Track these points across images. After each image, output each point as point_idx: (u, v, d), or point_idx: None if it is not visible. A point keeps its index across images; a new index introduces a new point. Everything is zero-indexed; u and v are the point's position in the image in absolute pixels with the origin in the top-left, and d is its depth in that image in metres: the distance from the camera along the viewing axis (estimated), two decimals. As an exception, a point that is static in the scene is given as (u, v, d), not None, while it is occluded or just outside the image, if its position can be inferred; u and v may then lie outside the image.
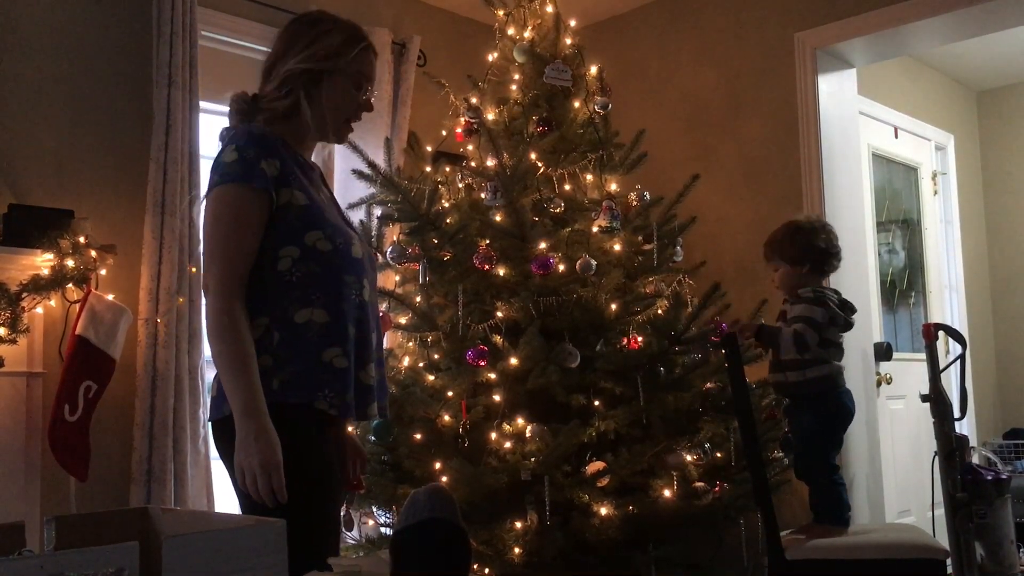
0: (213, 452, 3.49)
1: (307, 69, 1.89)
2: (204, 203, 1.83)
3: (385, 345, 3.11)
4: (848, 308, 2.82)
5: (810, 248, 2.81)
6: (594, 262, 3.06)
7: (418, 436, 3.05)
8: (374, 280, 2.01)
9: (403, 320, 3.25)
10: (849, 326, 2.82)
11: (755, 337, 2.78)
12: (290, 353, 1.78)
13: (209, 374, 3.64)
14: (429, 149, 3.59)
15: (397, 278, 3.46)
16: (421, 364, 3.22)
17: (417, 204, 3.18)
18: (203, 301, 1.83)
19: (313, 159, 2.03)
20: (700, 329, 3.11)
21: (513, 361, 3.01)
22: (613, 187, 3.38)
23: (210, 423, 1.89)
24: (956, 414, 2.54)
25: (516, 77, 3.52)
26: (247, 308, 1.78)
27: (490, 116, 3.45)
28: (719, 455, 3.13)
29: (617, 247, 3.27)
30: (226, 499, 3.70)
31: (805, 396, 2.75)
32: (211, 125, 3.79)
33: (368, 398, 1.88)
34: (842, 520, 2.68)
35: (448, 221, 3.23)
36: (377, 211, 3.36)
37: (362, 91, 1.97)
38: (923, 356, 2.63)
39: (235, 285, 1.76)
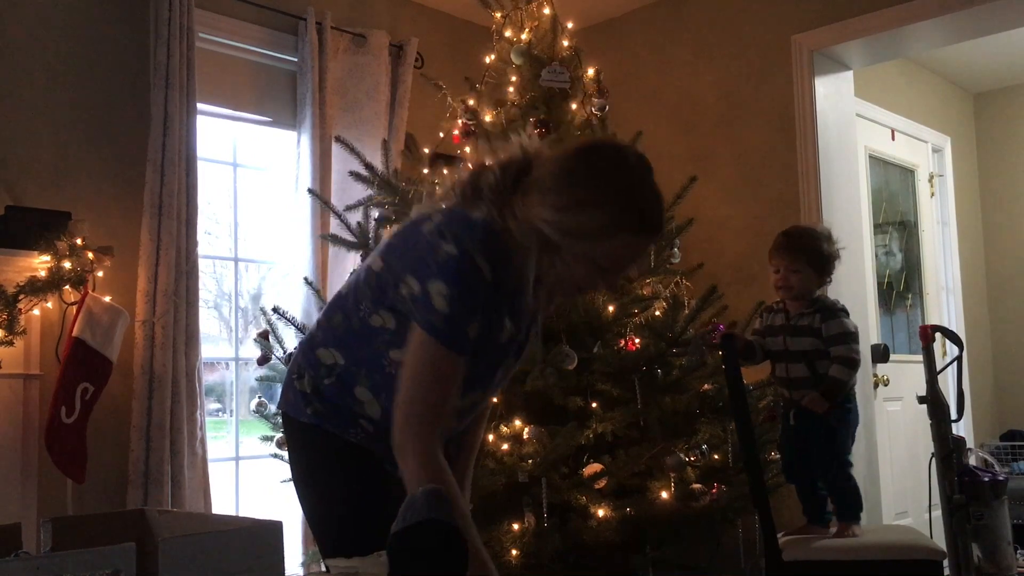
0: (210, 454, 3.49)
1: (543, 233, 1.55)
2: (413, 333, 1.57)
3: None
4: None
5: (833, 261, 2.78)
6: (591, 264, 3.05)
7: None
8: (486, 399, 1.79)
9: (400, 322, 3.25)
10: None
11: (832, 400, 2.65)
12: (333, 397, 1.69)
13: (208, 376, 3.64)
14: (426, 151, 3.59)
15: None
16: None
17: (414, 206, 3.18)
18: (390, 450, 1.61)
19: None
20: (698, 331, 3.11)
21: (510, 363, 3.00)
22: (610, 189, 3.38)
23: (282, 415, 1.80)
24: (953, 416, 2.54)
25: (513, 79, 3.52)
26: (333, 335, 1.69)
27: (487, 118, 3.45)
28: (716, 457, 3.13)
29: (614, 249, 3.27)
30: (223, 501, 3.70)
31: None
32: (208, 127, 3.80)
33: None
34: (858, 516, 2.69)
35: (445, 223, 3.22)
36: (374, 213, 3.36)
37: (611, 272, 1.63)
38: (920, 358, 2.63)
39: (439, 444, 1.58)
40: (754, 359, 2.80)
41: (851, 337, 2.67)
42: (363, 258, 3.32)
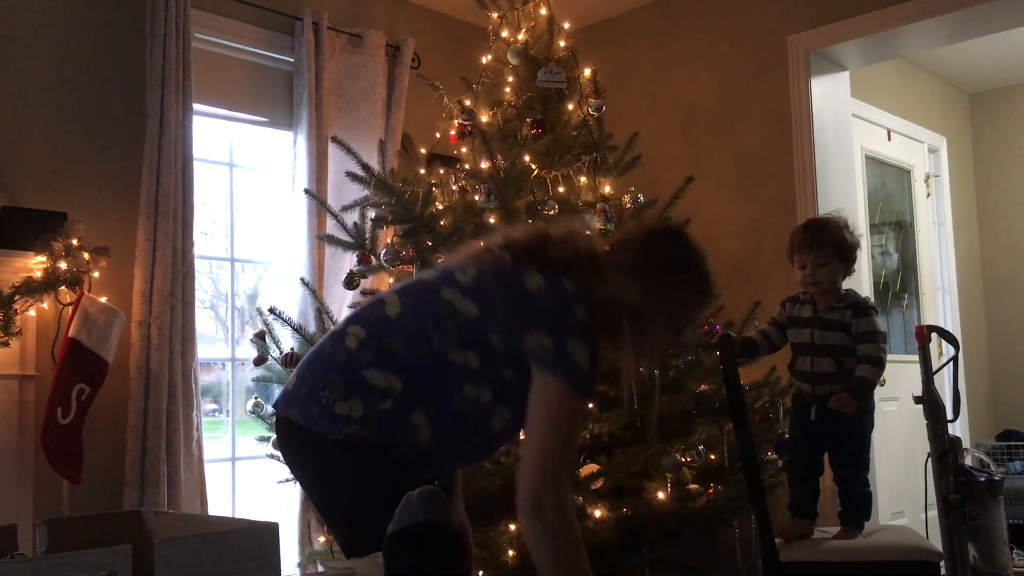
0: (207, 454, 3.48)
1: (627, 305, 1.79)
2: (544, 383, 1.69)
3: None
4: None
5: (856, 249, 2.73)
6: (588, 264, 3.05)
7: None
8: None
9: (397, 322, 3.25)
10: None
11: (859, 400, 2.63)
12: (387, 422, 1.71)
13: (204, 376, 3.64)
14: (423, 151, 3.59)
15: (391, 280, 3.46)
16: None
17: (411, 206, 3.18)
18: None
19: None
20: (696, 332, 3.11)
21: (507, 363, 3.00)
22: (607, 189, 3.39)
23: (298, 427, 1.76)
24: (949, 416, 2.53)
25: (510, 79, 3.52)
26: (390, 359, 1.72)
27: (484, 118, 3.45)
28: (713, 457, 3.13)
29: (611, 249, 3.27)
30: (220, 501, 3.70)
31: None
32: (204, 127, 3.79)
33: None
34: (863, 524, 2.68)
35: (442, 223, 3.22)
36: (371, 213, 3.36)
37: (682, 331, 1.93)
38: (916, 358, 2.63)
39: (566, 490, 1.69)
40: (758, 353, 2.77)
41: (880, 336, 2.63)
42: (360, 259, 3.32)
